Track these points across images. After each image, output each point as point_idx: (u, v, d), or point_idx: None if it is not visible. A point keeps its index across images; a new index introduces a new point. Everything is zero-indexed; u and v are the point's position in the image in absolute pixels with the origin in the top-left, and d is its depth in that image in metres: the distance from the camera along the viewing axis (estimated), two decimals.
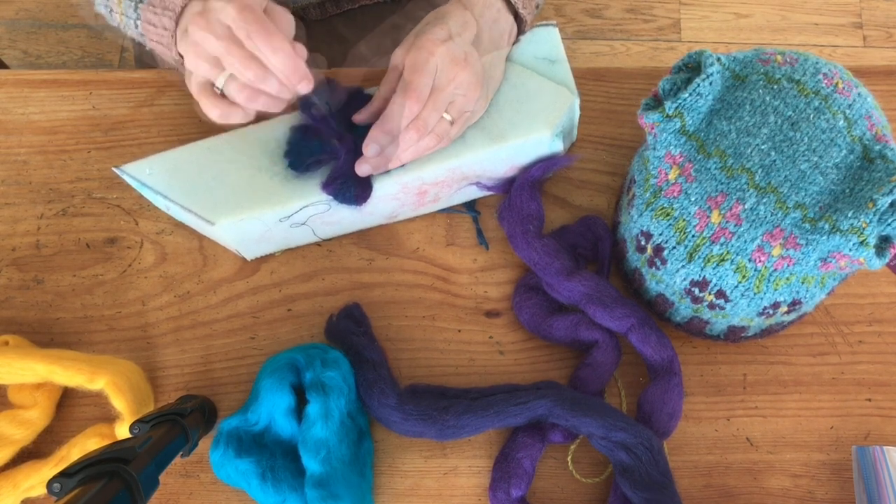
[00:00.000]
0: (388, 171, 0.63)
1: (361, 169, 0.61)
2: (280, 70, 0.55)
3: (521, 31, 0.69)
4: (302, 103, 0.64)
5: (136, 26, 0.65)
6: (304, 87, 0.57)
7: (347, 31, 0.92)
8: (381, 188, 0.64)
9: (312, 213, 0.64)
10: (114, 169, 0.63)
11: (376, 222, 0.70)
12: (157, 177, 0.64)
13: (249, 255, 0.69)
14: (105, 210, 0.72)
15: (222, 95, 0.58)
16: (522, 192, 0.66)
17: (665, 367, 0.63)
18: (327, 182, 0.63)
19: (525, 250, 0.65)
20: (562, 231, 0.69)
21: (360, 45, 0.91)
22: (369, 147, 0.60)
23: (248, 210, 0.62)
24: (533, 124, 0.64)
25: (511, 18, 0.67)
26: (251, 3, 0.55)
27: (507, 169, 0.68)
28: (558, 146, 0.67)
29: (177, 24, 0.60)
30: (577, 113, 0.68)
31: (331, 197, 0.63)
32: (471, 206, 0.71)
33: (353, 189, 0.62)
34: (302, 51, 0.59)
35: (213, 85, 0.58)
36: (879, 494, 0.58)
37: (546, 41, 0.67)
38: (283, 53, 0.54)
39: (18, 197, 0.73)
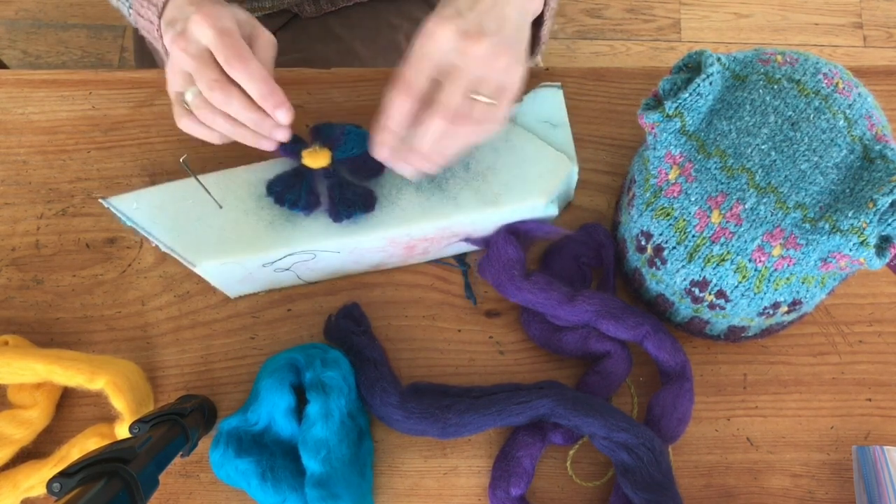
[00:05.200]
0: (373, 225, 0.61)
1: (380, 152, 0.57)
2: (257, 96, 0.57)
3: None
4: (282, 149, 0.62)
5: (129, 14, 0.66)
6: (282, 114, 0.58)
7: (343, 30, 0.91)
8: (366, 241, 0.62)
9: (297, 260, 0.63)
10: (100, 200, 0.62)
11: (362, 270, 0.69)
12: (142, 212, 0.63)
13: (232, 294, 0.69)
14: (105, 210, 0.72)
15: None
16: (498, 240, 0.64)
17: (678, 372, 0.62)
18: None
19: (517, 295, 0.64)
20: (563, 241, 0.68)
21: (356, 44, 0.91)
22: (380, 149, 0.57)
23: (231, 254, 0.61)
24: (528, 191, 0.62)
25: None
26: (229, 27, 0.57)
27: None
28: (553, 211, 0.65)
29: (160, 17, 0.62)
30: (575, 179, 0.67)
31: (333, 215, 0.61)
32: (461, 260, 0.70)
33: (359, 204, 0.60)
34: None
35: (183, 97, 0.60)
36: (879, 494, 0.58)
37: (549, 103, 0.65)
38: (259, 80, 0.57)
39: (18, 197, 0.73)
